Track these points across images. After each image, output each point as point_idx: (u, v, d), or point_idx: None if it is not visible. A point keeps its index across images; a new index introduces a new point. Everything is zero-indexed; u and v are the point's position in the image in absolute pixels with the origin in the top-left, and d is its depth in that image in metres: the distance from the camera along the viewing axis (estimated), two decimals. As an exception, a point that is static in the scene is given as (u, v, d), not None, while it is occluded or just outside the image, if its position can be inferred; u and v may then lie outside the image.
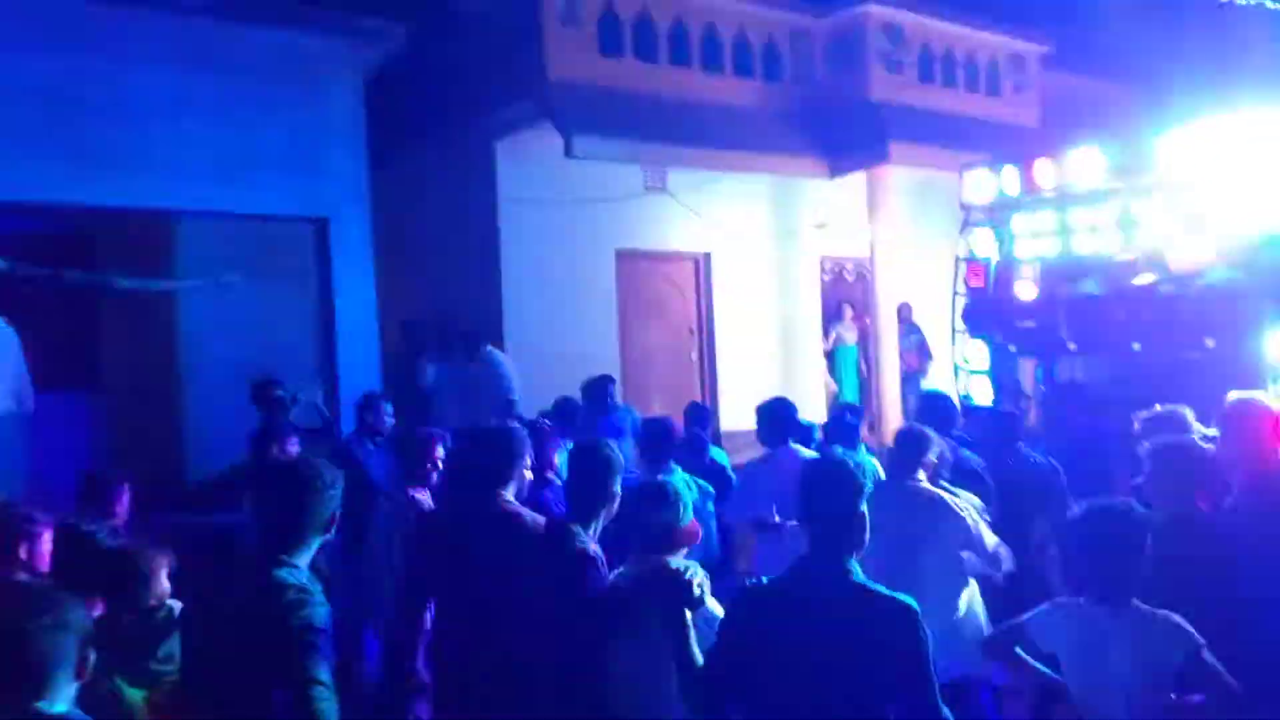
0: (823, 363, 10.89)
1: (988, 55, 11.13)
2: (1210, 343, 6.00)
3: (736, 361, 10.27)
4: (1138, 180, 6.22)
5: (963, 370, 7.60)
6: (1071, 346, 7.00)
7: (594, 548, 2.97)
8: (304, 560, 2.59)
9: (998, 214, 7.15)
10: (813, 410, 8.53)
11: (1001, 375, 7.38)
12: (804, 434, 5.44)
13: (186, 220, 7.56)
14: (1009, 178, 6.92)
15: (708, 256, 10.24)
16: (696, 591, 2.64)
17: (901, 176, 10.15)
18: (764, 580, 2.57)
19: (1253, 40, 10.26)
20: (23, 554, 3.08)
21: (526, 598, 2.96)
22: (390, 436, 5.74)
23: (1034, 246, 7.04)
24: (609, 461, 3.08)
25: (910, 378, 10.36)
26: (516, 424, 3.96)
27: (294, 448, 5.49)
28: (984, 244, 7.31)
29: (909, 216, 10.52)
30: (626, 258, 9.60)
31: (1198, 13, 9.66)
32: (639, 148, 8.66)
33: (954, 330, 7.59)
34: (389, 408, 5.95)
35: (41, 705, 2.01)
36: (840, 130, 9.88)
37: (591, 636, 2.82)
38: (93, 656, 2.11)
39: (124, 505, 4.14)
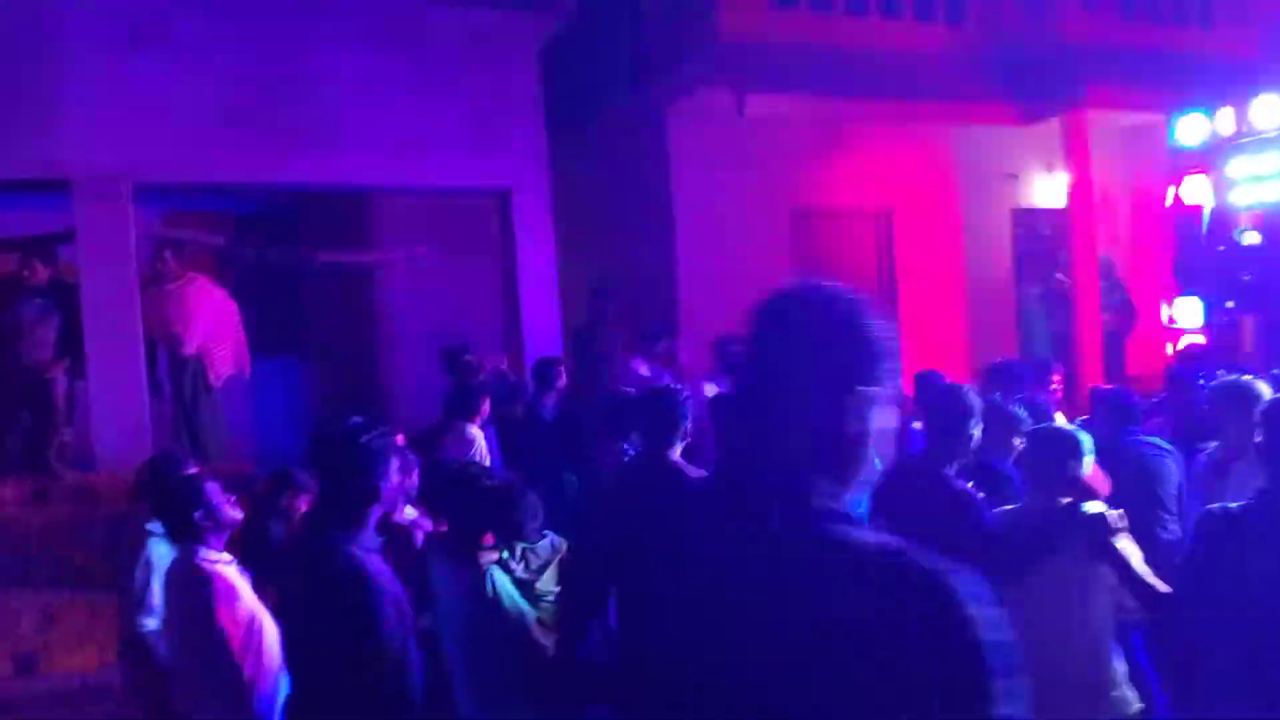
0: (1014, 323, 10.37)
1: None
2: None
3: (922, 324, 9.92)
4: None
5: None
6: None
7: (967, 486, 3.39)
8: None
9: (1211, 159, 6.56)
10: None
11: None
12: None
13: (379, 196, 7.99)
14: (1224, 119, 6.34)
15: (890, 213, 9.90)
16: (1118, 524, 2.98)
17: (1101, 122, 9.43)
18: (1229, 505, 2.79)
19: None
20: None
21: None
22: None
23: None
24: (970, 407, 3.48)
25: (1113, 338, 9.70)
26: None
27: (485, 408, 5.79)
28: (1197, 192, 6.74)
29: (1110, 164, 9.79)
30: (803, 216, 9.41)
31: None
32: (815, 103, 8.43)
33: (1164, 287, 7.05)
34: (561, 370, 6.16)
35: None
36: (1032, 74, 9.27)
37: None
38: None
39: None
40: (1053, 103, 9.26)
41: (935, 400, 3.71)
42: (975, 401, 3.58)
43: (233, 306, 7.03)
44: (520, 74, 7.76)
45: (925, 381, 5.13)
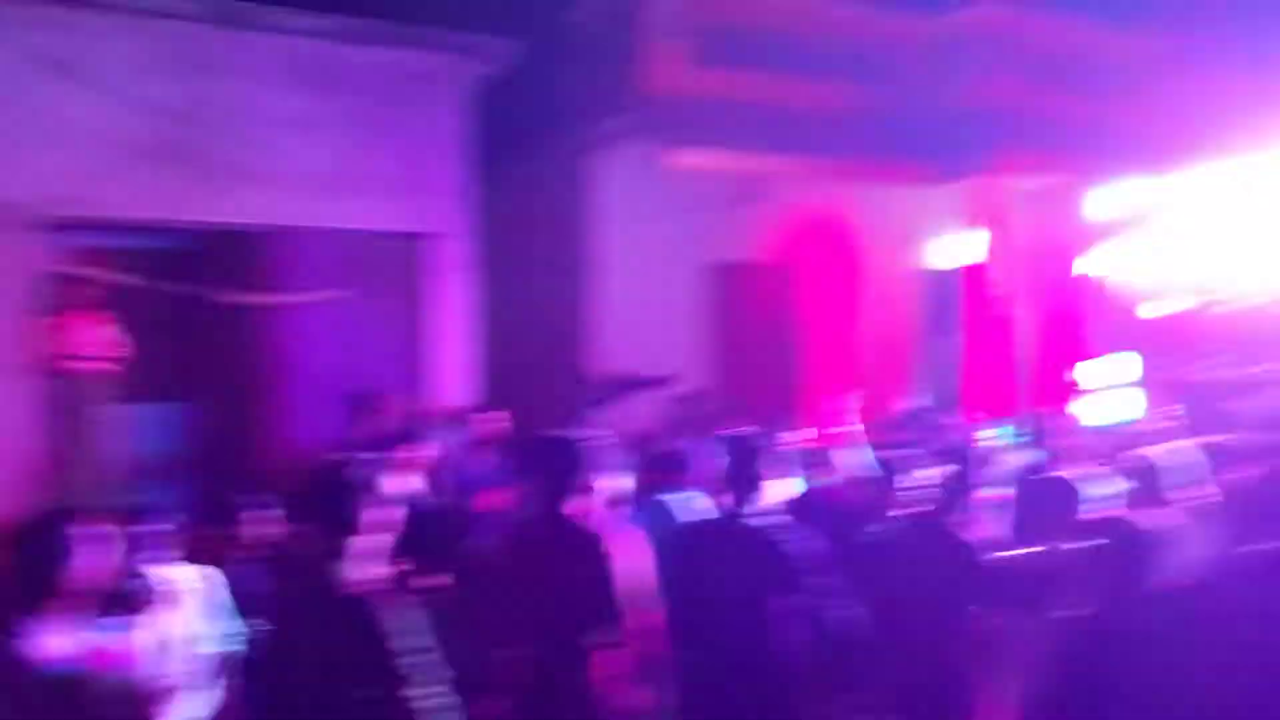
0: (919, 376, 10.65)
1: (1108, 57, 10.64)
2: None
3: (828, 378, 10.14)
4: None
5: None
6: None
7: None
8: None
9: (1124, 228, 6.89)
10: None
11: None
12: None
13: (292, 236, 7.85)
14: (1138, 190, 6.69)
15: (800, 268, 10.07)
16: None
17: (1010, 185, 9.81)
18: None
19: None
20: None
21: None
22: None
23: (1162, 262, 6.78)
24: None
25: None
26: None
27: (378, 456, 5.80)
28: (1112, 259, 7.05)
29: (1021, 225, 10.18)
30: (725, 271, 9.58)
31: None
32: (733, 158, 8.62)
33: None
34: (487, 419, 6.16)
35: None
36: (948, 136, 9.62)
37: None
38: None
39: None
40: (964, 164, 9.60)
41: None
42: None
43: (121, 342, 6.76)
44: (448, 118, 7.77)
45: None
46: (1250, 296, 6.39)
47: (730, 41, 8.96)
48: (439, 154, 7.73)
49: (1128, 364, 7.15)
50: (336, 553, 2.82)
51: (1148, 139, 10.26)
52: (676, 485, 4.60)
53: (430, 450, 6.06)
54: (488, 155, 8.46)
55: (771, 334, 10.06)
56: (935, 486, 3.91)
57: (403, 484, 5.67)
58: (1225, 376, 6.14)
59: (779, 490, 5.14)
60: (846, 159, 9.13)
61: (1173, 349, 6.81)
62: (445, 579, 3.95)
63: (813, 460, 5.15)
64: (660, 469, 4.75)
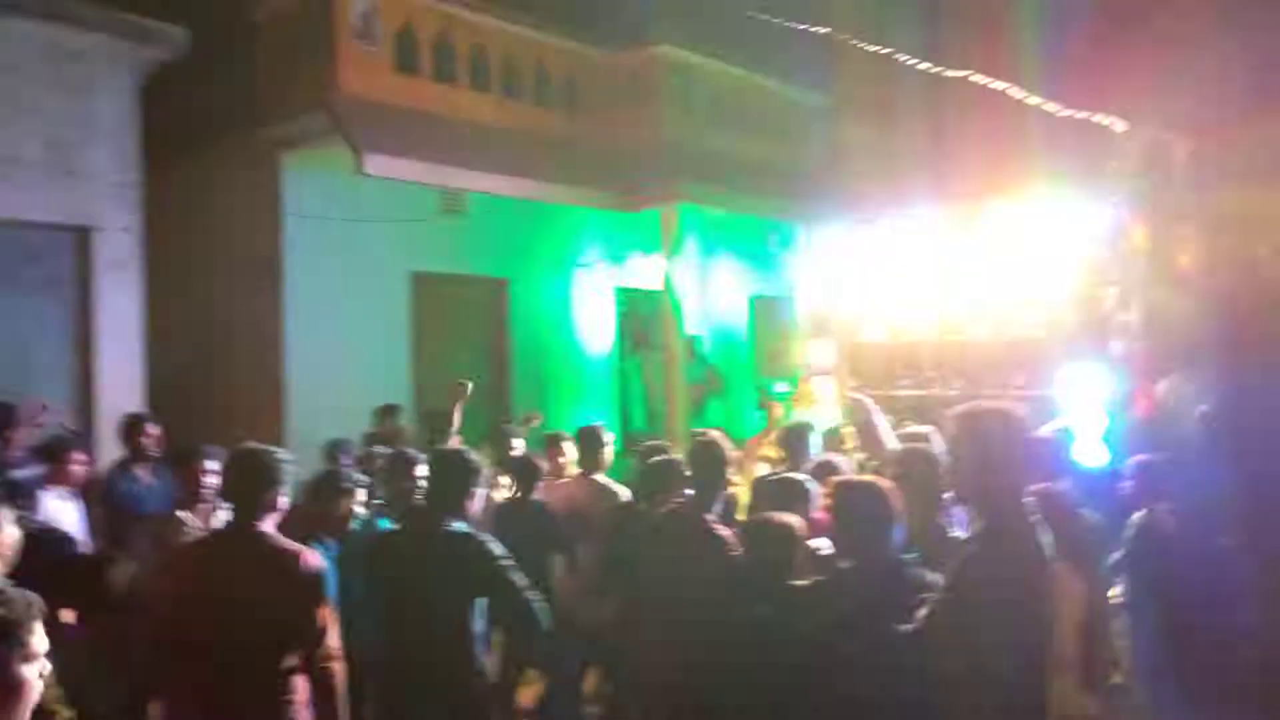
0: (611, 390, 11.07)
1: (776, 103, 11.73)
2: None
3: (534, 388, 10.28)
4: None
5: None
6: None
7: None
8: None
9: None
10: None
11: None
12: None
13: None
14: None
15: (508, 281, 10.20)
16: None
17: (694, 214, 10.49)
18: None
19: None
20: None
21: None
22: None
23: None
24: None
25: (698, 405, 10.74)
26: None
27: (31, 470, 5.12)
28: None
29: (697, 252, 10.90)
30: (423, 280, 9.41)
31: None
32: (433, 169, 8.49)
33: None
34: (154, 429, 5.54)
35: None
36: (635, 166, 10.10)
37: None
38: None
39: None
40: (651, 193, 10.12)
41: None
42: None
43: None
44: (112, 103, 7.06)
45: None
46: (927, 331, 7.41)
47: (430, 52, 8.89)
48: (100, 140, 7.00)
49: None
50: None
51: (806, 175, 11.44)
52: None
53: (88, 464, 5.44)
54: (168, 147, 7.76)
55: (479, 347, 10.04)
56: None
57: (55, 502, 5.08)
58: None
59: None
60: (540, 180, 9.29)
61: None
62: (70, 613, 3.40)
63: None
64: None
